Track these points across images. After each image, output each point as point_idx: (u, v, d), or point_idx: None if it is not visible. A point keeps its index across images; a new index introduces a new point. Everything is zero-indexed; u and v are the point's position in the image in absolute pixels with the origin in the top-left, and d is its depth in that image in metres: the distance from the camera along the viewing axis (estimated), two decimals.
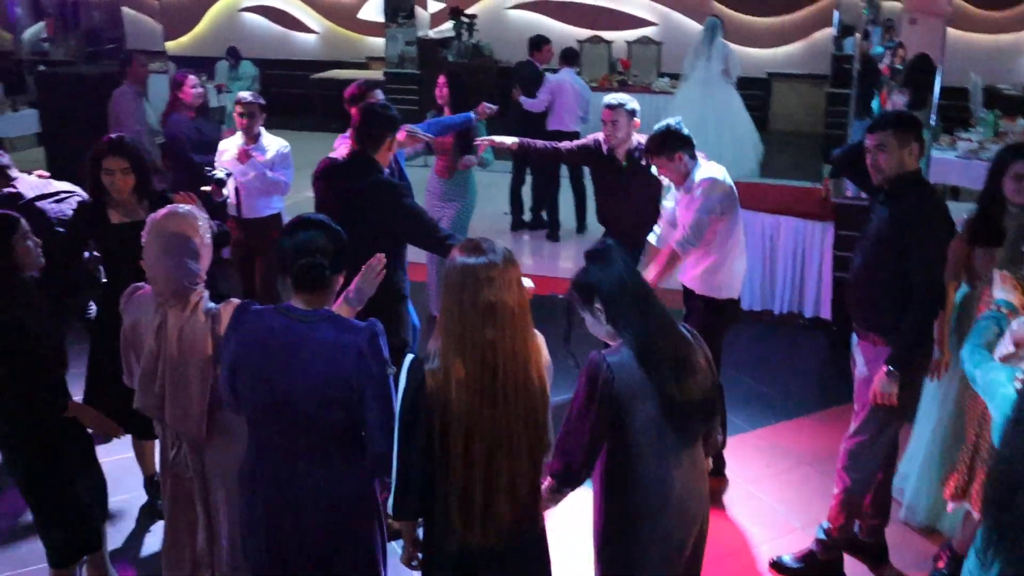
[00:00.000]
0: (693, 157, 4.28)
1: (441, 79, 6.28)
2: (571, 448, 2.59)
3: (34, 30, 13.20)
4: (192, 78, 6.38)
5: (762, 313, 6.57)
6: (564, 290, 2.75)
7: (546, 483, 2.74)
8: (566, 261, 8.06)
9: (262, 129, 5.71)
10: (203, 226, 3.02)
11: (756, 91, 11.97)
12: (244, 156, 5.50)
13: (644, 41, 12.62)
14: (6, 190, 4.36)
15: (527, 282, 2.60)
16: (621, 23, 13.02)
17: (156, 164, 5.72)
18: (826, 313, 6.34)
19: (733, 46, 10.50)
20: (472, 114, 5.61)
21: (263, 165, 5.55)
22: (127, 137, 4.10)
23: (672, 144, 4.24)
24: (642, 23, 13.03)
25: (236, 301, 2.88)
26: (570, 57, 8.92)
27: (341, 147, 5.29)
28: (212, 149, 5.91)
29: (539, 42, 8.77)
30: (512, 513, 2.44)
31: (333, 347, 2.49)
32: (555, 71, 9.15)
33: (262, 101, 5.69)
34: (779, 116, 12.70)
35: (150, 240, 2.92)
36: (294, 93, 13.70)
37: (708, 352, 2.70)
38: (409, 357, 2.46)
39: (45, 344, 3.13)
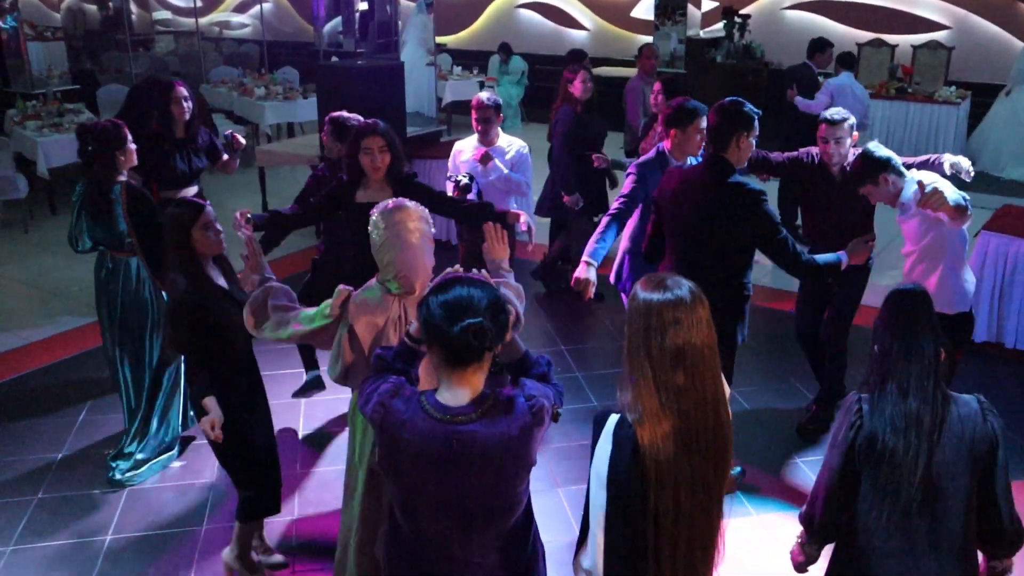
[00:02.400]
0: (900, 174, 4.13)
1: (656, 85, 6.06)
2: (815, 497, 2.50)
3: (332, 24, 14.36)
4: (583, 72, 6.32)
5: None
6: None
7: (799, 537, 2.65)
8: None
9: (499, 130, 5.68)
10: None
11: None
12: (485, 159, 5.52)
13: (932, 46, 11.65)
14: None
15: None
16: (907, 26, 12.10)
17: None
18: None
19: None
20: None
21: (503, 166, 5.55)
22: (381, 122, 4.29)
23: (874, 169, 4.14)
24: (932, 26, 12.04)
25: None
26: (847, 61, 8.63)
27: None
28: (592, 144, 6.21)
29: (822, 45, 8.49)
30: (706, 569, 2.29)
31: (501, 444, 2.23)
32: (828, 75, 8.78)
33: (498, 101, 5.62)
34: None
35: (403, 229, 2.92)
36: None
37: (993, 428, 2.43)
38: (614, 417, 2.26)
39: (226, 319, 3.47)
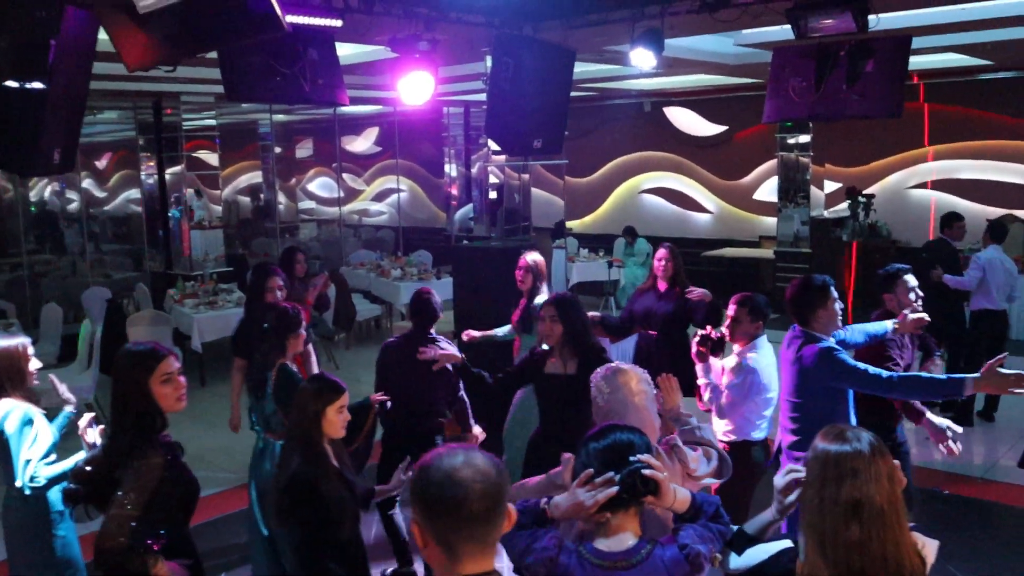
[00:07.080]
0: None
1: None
2: None
3: (463, 211, 15.17)
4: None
5: None
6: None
7: None
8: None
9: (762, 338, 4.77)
10: None
11: None
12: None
13: None
14: None
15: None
16: None
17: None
18: None
19: None
20: None
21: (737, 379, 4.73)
22: (568, 294, 4.60)
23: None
24: None
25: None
26: (999, 234, 8.43)
27: None
28: None
29: (951, 219, 8.44)
30: None
31: None
32: (960, 250, 8.68)
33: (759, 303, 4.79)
34: None
35: (628, 392, 2.93)
36: (686, 270, 14.12)
37: None
38: (788, 543, 2.32)
39: (335, 505, 3.34)
